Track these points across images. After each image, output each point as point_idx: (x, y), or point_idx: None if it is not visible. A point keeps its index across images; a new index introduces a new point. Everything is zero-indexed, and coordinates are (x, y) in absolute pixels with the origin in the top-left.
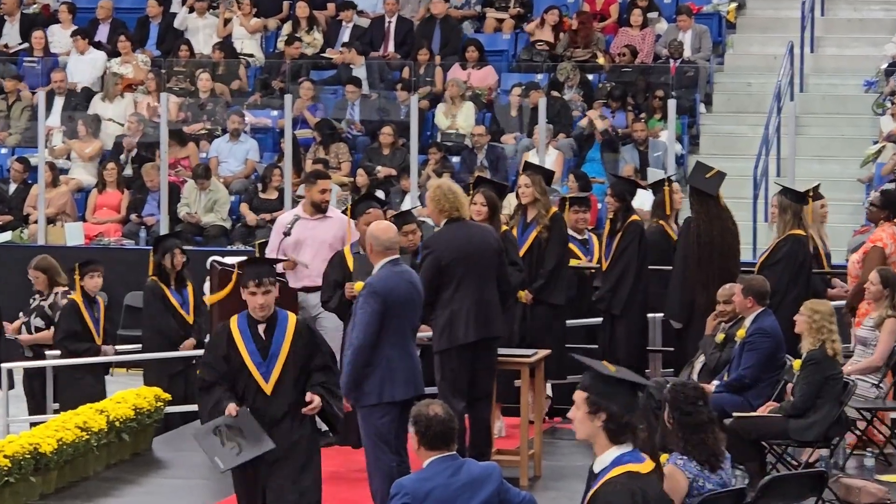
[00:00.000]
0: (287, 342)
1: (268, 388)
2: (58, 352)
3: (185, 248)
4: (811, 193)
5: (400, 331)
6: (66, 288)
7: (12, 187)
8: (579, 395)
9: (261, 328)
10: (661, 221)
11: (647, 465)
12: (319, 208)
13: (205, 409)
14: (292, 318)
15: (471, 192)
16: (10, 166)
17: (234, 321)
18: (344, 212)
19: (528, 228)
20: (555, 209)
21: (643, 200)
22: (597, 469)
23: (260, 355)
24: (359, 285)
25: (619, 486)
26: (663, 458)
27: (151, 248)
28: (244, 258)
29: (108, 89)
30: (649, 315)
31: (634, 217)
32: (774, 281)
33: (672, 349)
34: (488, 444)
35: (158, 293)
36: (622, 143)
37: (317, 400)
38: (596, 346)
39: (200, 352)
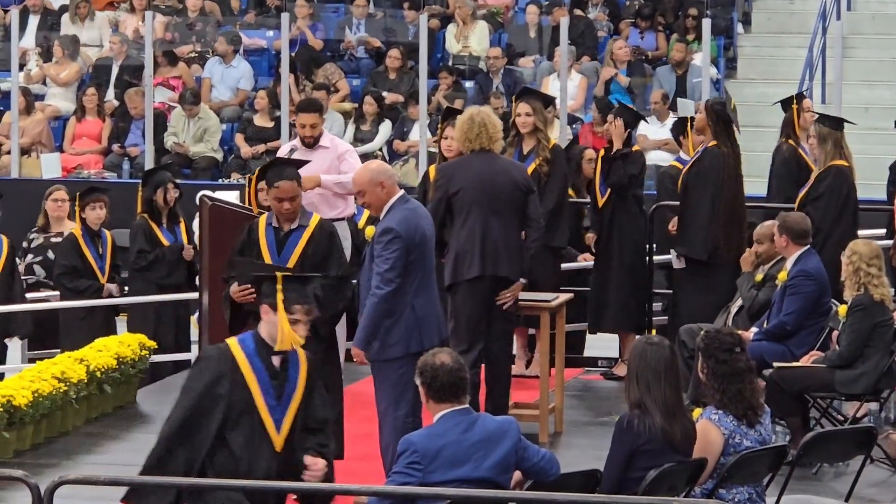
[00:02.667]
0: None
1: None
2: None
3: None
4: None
5: (424, 275)
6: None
7: None
8: None
9: (275, 360)
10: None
11: None
12: (311, 142)
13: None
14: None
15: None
16: None
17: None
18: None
19: (525, 161)
20: (555, 141)
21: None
22: None
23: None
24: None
25: None
26: (696, 412)
27: (140, 182)
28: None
29: (76, 9)
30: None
31: (636, 147)
32: (818, 218)
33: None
34: (505, 396)
35: (148, 231)
36: (655, 66)
37: (321, 463)
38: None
39: (193, 295)
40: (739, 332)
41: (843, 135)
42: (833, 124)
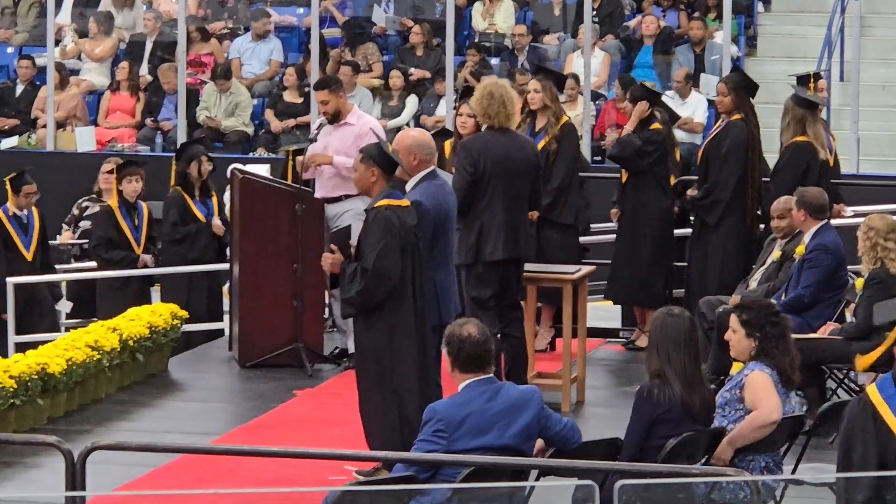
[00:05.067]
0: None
1: None
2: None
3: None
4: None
5: (446, 250)
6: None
7: (19, 89)
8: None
9: None
10: None
11: None
12: (331, 118)
13: None
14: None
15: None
16: (17, 66)
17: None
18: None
19: (535, 138)
20: (566, 118)
21: (695, 109)
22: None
23: None
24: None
25: None
26: (736, 366)
27: (174, 155)
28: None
29: None
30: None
31: (656, 125)
32: (776, 191)
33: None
34: (523, 363)
35: (181, 204)
36: (676, 45)
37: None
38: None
39: (225, 266)
40: None
41: (814, 115)
42: (804, 103)
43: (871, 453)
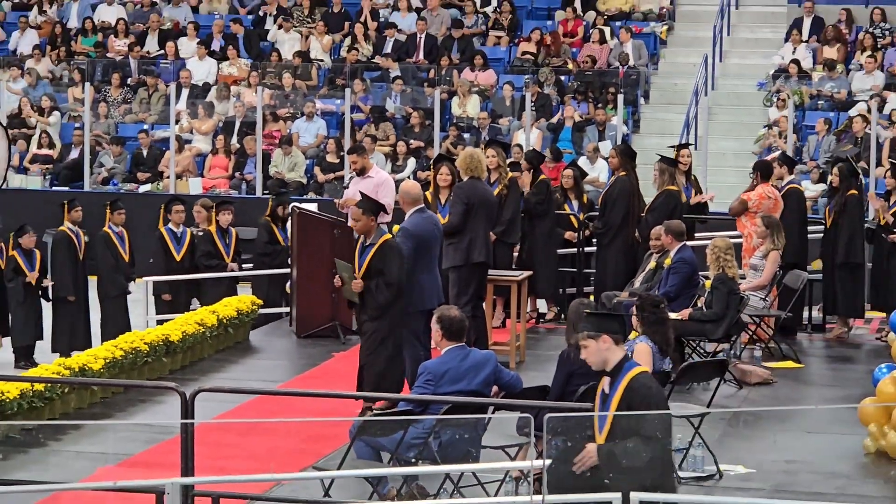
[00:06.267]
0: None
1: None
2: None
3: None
4: (678, 152)
5: (428, 259)
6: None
7: (145, 152)
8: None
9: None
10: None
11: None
12: (359, 172)
13: None
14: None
15: (484, 149)
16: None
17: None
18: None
19: (492, 186)
20: (511, 174)
21: (600, 172)
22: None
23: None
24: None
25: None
26: (633, 334)
27: (269, 197)
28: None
29: (219, 91)
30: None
31: (543, 177)
32: (652, 223)
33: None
34: (484, 335)
35: (269, 230)
36: (586, 125)
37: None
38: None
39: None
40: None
41: (676, 170)
42: (669, 162)
43: None
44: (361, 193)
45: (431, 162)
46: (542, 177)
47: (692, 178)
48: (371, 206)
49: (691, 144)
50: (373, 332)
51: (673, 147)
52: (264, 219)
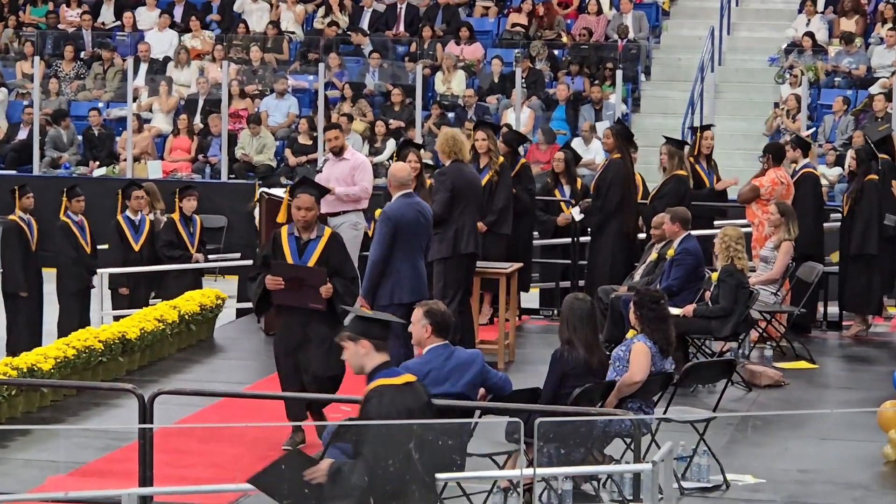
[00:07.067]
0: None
1: None
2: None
3: (238, 181)
4: (701, 133)
5: (408, 248)
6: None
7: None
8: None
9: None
10: (691, 159)
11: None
12: (336, 151)
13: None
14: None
15: (472, 132)
16: (105, 117)
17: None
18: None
19: (481, 173)
20: (502, 158)
21: (596, 154)
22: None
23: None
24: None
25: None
26: (631, 333)
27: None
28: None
29: (178, 59)
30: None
31: (523, 161)
32: (662, 209)
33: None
34: (471, 333)
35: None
36: (581, 104)
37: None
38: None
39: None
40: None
41: (684, 152)
42: (677, 145)
43: None
44: (305, 178)
45: (396, 149)
46: (522, 161)
47: (712, 162)
48: (323, 192)
49: (713, 126)
50: (325, 337)
51: (693, 129)
52: (250, 206)
